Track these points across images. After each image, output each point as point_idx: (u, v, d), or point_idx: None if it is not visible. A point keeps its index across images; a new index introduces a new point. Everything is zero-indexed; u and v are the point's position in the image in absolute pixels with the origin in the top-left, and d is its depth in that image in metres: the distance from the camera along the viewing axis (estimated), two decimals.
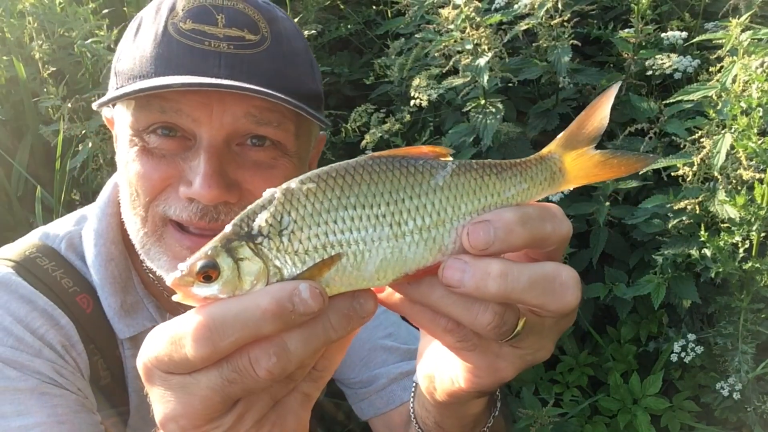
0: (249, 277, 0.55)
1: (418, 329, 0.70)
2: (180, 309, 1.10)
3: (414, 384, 0.91)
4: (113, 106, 1.06)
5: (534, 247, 0.60)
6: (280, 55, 1.01)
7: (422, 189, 0.57)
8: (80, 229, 1.14)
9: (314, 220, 0.55)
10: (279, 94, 0.94)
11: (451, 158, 0.59)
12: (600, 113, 0.62)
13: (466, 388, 0.69)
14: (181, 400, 0.57)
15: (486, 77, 1.81)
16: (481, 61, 1.82)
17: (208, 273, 0.54)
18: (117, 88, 1.00)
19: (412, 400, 0.92)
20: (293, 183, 0.56)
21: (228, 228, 0.56)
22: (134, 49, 0.99)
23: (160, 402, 0.59)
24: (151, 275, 1.12)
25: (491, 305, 0.58)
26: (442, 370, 0.73)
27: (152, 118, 0.96)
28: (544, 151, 0.62)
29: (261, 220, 0.55)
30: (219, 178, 0.94)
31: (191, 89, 0.93)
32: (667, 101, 1.72)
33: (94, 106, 1.00)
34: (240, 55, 0.97)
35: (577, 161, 0.62)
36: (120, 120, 1.03)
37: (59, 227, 1.15)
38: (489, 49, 1.84)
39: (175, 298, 0.57)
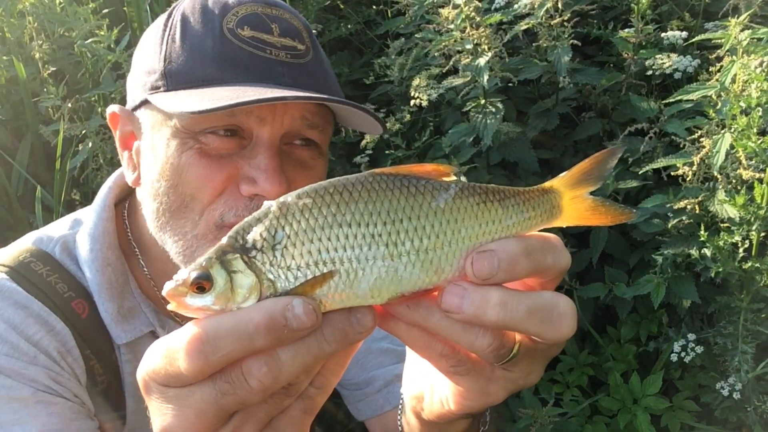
0: (241, 290, 0.55)
1: None
2: (180, 315, 1.10)
3: (402, 398, 0.91)
4: (135, 106, 1.06)
5: (534, 278, 0.62)
6: (323, 65, 1.07)
7: (422, 210, 0.57)
8: (75, 233, 1.12)
9: (308, 236, 0.55)
10: (356, 103, 1.00)
11: (455, 177, 0.59)
12: (605, 165, 0.64)
13: (456, 411, 0.70)
14: (177, 413, 0.57)
15: (486, 77, 1.81)
16: (481, 61, 1.82)
17: (202, 284, 0.55)
18: (167, 90, 0.99)
19: (399, 413, 0.91)
20: (290, 197, 0.56)
21: (224, 240, 0.56)
22: (189, 50, 0.99)
23: (158, 414, 0.59)
24: (152, 280, 1.12)
25: (490, 329, 0.59)
26: (431, 391, 0.73)
27: (216, 120, 0.97)
28: (546, 185, 0.63)
29: (255, 234, 0.55)
30: (282, 175, 0.98)
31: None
32: (667, 101, 1.72)
33: (191, 111, 0.91)
34: (297, 65, 1.01)
35: (573, 201, 0.63)
36: (157, 121, 1.01)
37: (53, 231, 1.13)
38: (489, 48, 1.84)
39: (169, 307, 0.57)
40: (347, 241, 0.55)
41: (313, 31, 1.07)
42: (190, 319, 0.58)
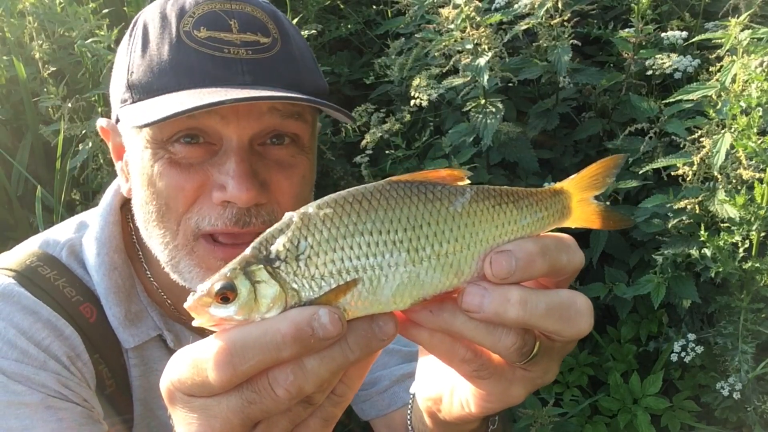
0: (265, 300, 0.56)
1: None
2: (185, 317, 1.10)
3: (411, 396, 0.91)
4: (116, 119, 1.05)
5: (549, 277, 0.62)
6: (292, 55, 1.02)
7: (440, 215, 0.58)
8: (81, 236, 1.11)
9: (330, 245, 0.56)
10: (311, 97, 0.95)
11: (468, 181, 0.61)
12: (611, 171, 0.67)
13: (477, 413, 0.71)
14: (203, 422, 0.58)
15: (486, 77, 1.81)
16: (481, 61, 1.82)
17: (226, 294, 0.55)
18: (133, 102, 0.98)
19: (409, 413, 0.91)
20: (311, 208, 0.57)
21: (248, 250, 0.57)
22: (148, 60, 0.97)
23: (183, 424, 0.59)
24: (155, 284, 1.12)
25: (512, 328, 0.60)
26: (450, 394, 0.74)
27: (179, 126, 0.95)
28: (557, 186, 0.65)
29: (279, 245, 0.56)
30: (253, 179, 0.94)
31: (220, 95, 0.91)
32: (667, 101, 1.72)
33: (138, 125, 0.94)
34: (259, 60, 0.97)
35: (580, 204, 0.66)
36: (133, 133, 1.01)
37: (59, 234, 1.13)
38: (489, 48, 1.84)
39: (195, 323, 0.58)
40: (369, 249, 0.56)
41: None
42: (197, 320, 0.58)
